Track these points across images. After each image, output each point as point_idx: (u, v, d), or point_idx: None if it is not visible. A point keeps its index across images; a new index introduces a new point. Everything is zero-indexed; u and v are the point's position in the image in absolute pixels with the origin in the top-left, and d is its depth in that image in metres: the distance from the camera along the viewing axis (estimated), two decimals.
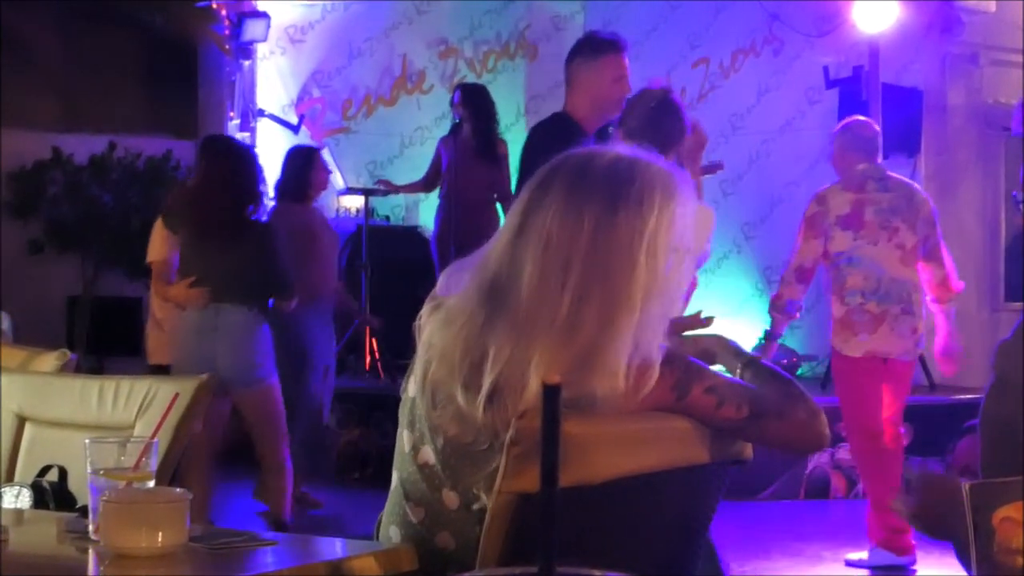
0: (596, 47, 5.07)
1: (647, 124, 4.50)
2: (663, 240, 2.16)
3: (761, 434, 2.28)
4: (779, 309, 6.10)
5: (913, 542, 5.86)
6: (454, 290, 2.28)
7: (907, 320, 5.97)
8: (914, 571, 5.88)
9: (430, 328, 2.28)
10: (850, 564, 6.03)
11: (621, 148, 2.28)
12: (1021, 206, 2.11)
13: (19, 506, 2.61)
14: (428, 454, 2.28)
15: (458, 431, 2.22)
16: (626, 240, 2.15)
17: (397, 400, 2.37)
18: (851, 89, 9.17)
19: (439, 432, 2.25)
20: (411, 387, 2.32)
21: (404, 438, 2.33)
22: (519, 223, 2.20)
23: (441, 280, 2.35)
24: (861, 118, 6.55)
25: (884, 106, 8.76)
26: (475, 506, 2.22)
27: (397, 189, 9.22)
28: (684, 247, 2.20)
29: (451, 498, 2.26)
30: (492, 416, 2.17)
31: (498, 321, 2.18)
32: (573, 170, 2.21)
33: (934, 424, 7.58)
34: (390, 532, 2.35)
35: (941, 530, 2.20)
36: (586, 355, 2.14)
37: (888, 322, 5.94)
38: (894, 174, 6.27)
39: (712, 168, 7.32)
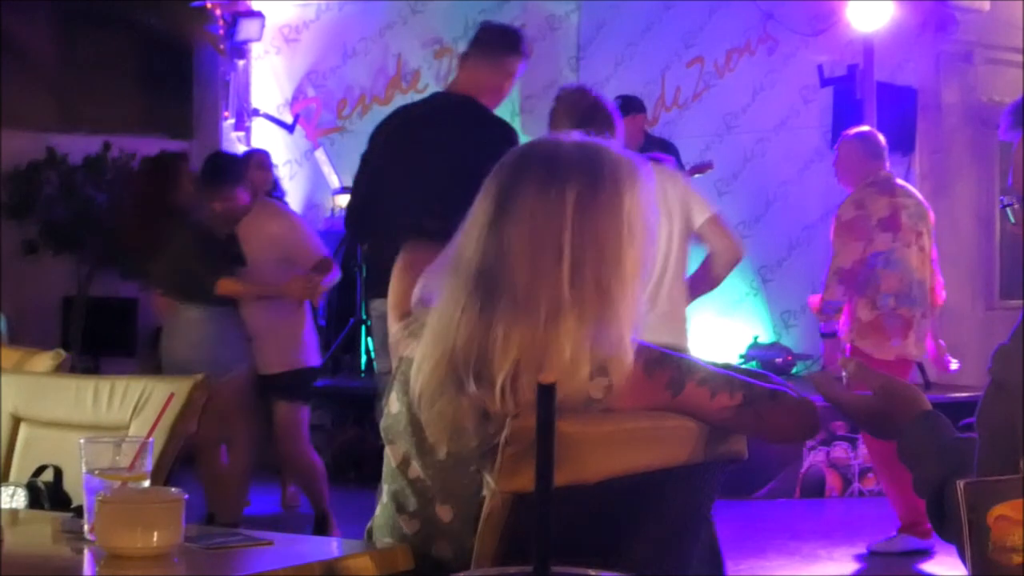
0: (523, 45, 5.08)
1: (579, 123, 4.50)
2: (636, 217, 2.20)
3: (757, 420, 2.27)
4: (823, 311, 6.27)
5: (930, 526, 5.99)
6: (432, 300, 2.27)
7: (925, 323, 6.25)
8: (935, 553, 6.05)
9: (415, 343, 2.27)
10: (876, 553, 6.17)
11: (576, 136, 2.29)
12: (1008, 210, 2.11)
13: (14, 506, 2.61)
14: (418, 469, 2.27)
15: (459, 441, 2.20)
16: (609, 216, 2.17)
17: None
18: (845, 88, 9.18)
19: (435, 451, 2.23)
20: (393, 405, 2.31)
21: (390, 453, 2.31)
22: (494, 210, 2.19)
23: (414, 296, 2.34)
24: (867, 128, 6.76)
25: (879, 105, 8.77)
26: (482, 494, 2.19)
27: None
28: (651, 225, 2.24)
29: (445, 511, 2.25)
30: (507, 405, 2.16)
31: (497, 306, 2.17)
32: (544, 153, 2.23)
33: None
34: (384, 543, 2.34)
35: (885, 431, 2.22)
36: (595, 333, 2.15)
37: (915, 326, 6.19)
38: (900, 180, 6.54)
39: (702, 167, 7.35)
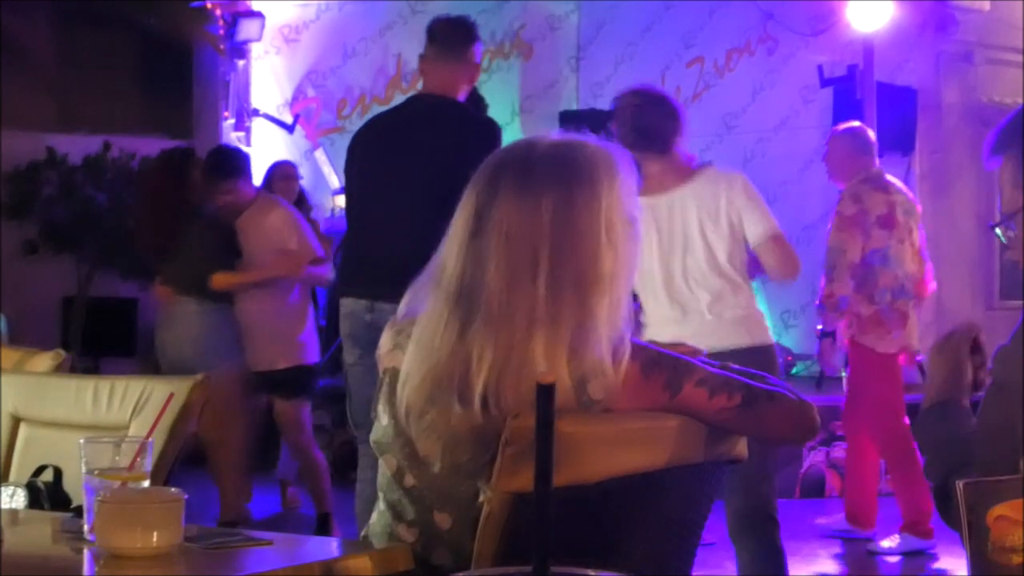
0: (477, 31, 5.16)
1: (639, 123, 4.53)
2: (616, 215, 2.19)
3: (756, 421, 2.26)
4: (832, 307, 6.26)
5: (932, 527, 6.10)
6: (418, 311, 2.26)
7: (916, 313, 6.37)
8: (935, 554, 6.11)
9: (401, 355, 2.26)
10: (876, 553, 6.19)
11: (553, 135, 2.29)
12: (998, 233, 2.15)
13: (14, 506, 2.61)
14: (413, 479, 2.26)
15: (451, 454, 2.20)
16: (586, 221, 2.16)
17: None
18: (845, 88, 9.18)
19: (429, 463, 2.22)
20: (382, 417, 2.30)
21: (383, 463, 2.31)
22: (473, 223, 2.19)
23: (401, 307, 2.33)
24: (857, 123, 6.79)
25: (878, 105, 8.77)
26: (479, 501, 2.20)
27: None
28: (634, 218, 2.23)
29: (443, 519, 2.24)
30: (492, 421, 2.16)
31: (473, 324, 2.17)
32: (518, 161, 2.22)
33: None
34: None
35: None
36: (572, 341, 2.14)
37: (911, 317, 6.28)
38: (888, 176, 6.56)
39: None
